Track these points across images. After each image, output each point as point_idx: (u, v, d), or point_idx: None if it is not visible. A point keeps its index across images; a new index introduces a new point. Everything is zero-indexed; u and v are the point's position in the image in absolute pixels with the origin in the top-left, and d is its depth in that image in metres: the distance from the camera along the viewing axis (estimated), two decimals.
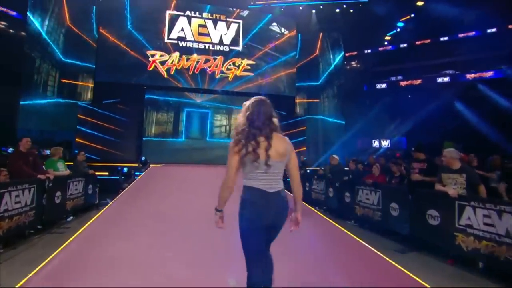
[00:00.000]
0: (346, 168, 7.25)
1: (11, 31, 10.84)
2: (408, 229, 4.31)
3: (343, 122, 13.78)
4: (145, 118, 11.91)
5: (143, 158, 9.26)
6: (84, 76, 11.91)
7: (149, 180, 6.73)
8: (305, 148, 13.24)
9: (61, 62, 11.37)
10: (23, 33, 10.57)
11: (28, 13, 10.61)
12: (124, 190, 6.09)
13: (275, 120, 1.84)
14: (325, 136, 13.79)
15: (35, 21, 10.85)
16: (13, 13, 10.60)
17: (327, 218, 4.75)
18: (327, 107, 14.13)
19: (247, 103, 1.84)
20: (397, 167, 5.35)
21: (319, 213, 5.08)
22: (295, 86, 13.35)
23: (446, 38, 13.88)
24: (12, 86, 10.17)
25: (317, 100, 14.03)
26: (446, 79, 13.57)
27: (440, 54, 13.74)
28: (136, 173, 8.78)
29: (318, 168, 10.13)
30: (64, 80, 11.49)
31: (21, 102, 10.52)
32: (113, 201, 5.14)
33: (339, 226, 4.21)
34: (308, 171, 10.14)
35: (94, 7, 11.81)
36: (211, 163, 10.99)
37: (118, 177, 9.03)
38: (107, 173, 8.73)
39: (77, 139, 11.02)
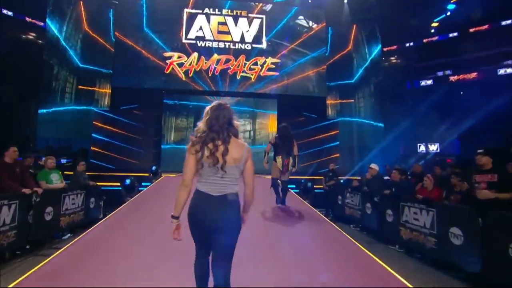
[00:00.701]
0: (386, 178, 6.80)
1: (31, 38, 11.47)
2: (479, 265, 3.67)
3: (382, 125, 13.09)
4: (163, 124, 11.92)
5: (154, 167, 9.13)
6: (102, 81, 12.18)
7: (154, 194, 6.26)
8: (338, 155, 12.67)
9: (78, 68, 11.75)
10: (42, 41, 11.19)
11: (47, 20, 11.19)
12: (119, 208, 5.31)
13: (236, 124, 1.93)
14: (361, 141, 13.19)
15: (53, 27, 11.41)
16: (34, 21, 11.16)
17: (334, 226, 4.50)
18: (363, 108, 13.53)
19: (207, 108, 1.88)
20: (457, 180, 4.72)
21: (325, 218, 4.84)
22: (325, 86, 12.87)
23: (509, 22, 12.70)
24: (32, 95, 10.87)
25: (351, 101, 13.53)
26: (510, 70, 12.49)
27: (501, 42, 12.63)
28: (143, 184, 8.64)
29: (353, 178, 9.58)
30: (81, 87, 11.86)
31: (40, 111, 11.06)
32: (96, 225, 4.37)
33: (351, 240, 3.93)
34: (342, 181, 9.48)
35: (112, 10, 12.06)
36: None
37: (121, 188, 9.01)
38: (118, 184, 8.67)
39: (92, 147, 11.18)
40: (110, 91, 12.08)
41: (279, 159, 4.79)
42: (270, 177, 5.14)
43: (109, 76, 11.86)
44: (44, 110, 10.86)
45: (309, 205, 5.46)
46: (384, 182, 6.32)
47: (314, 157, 11.69)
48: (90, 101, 11.90)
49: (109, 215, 4.74)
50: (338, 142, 12.27)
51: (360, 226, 6.50)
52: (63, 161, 10.19)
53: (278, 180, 4.95)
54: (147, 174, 9.69)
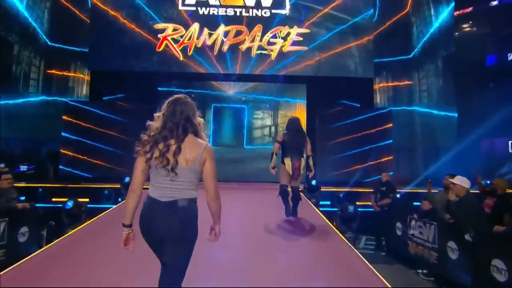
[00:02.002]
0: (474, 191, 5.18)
1: None
2: None
3: (455, 115, 11.79)
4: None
5: (128, 178, 7.83)
6: (78, 65, 11.54)
7: (111, 223, 4.98)
8: (390, 158, 11.21)
9: (46, 48, 11.06)
10: None
11: None
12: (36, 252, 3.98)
13: (199, 120, 2.00)
14: (425, 138, 11.79)
15: None
16: None
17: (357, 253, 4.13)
18: (427, 93, 12.28)
19: (166, 101, 2.00)
20: None
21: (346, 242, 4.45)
22: (372, 63, 11.57)
23: None
24: None
25: (409, 83, 12.35)
26: None
27: None
28: (106, 206, 7.35)
29: (416, 191, 8.61)
30: (51, 71, 11.17)
31: None
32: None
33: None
34: (399, 196, 8.06)
35: None
36: (250, 180, 10.26)
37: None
38: (87, 200, 7.96)
39: (63, 150, 10.30)
40: (89, 77, 11.46)
41: (287, 161, 4.63)
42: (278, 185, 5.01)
43: (87, 57, 11.14)
44: (2, 102, 10.17)
45: (327, 220, 5.29)
46: (482, 210, 4.27)
47: (356, 161, 10.71)
48: (63, 90, 11.23)
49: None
50: (391, 141, 11.11)
51: (436, 274, 5.44)
52: (23, 168, 9.04)
53: (288, 188, 4.79)
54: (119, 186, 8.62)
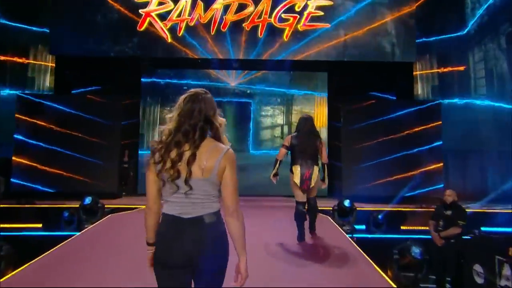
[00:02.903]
0: None
1: None
2: None
3: None
4: (142, 118, 10.96)
5: (89, 199, 7.05)
6: (39, 48, 10.74)
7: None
8: (441, 165, 10.15)
9: None
10: None
11: None
12: None
13: (221, 120, 1.89)
14: (486, 139, 10.58)
15: None
16: None
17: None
18: (485, 81, 11.26)
19: (180, 99, 1.86)
20: None
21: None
22: (414, 43, 10.69)
23: None
24: None
25: (462, 68, 11.28)
26: None
27: None
28: (66, 234, 6.60)
29: (489, 211, 7.92)
30: (3, 57, 10.30)
31: None
32: None
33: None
34: (464, 222, 6.46)
35: None
36: (257, 193, 9.96)
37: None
38: (40, 225, 7.49)
39: (15, 158, 9.58)
40: (54, 64, 10.73)
41: (296, 170, 4.55)
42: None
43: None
44: None
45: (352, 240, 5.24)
46: None
47: (394, 170, 9.86)
48: (20, 81, 10.56)
49: None
50: (440, 142, 10.23)
51: None
52: None
53: (305, 208, 4.69)
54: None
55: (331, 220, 6.84)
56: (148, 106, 11.24)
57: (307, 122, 4.84)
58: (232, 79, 11.45)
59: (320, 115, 11.24)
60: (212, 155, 1.80)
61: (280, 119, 11.62)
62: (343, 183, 9.92)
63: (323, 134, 11.03)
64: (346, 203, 7.57)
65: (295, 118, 11.06)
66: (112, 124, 9.97)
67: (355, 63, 10.56)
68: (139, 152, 10.78)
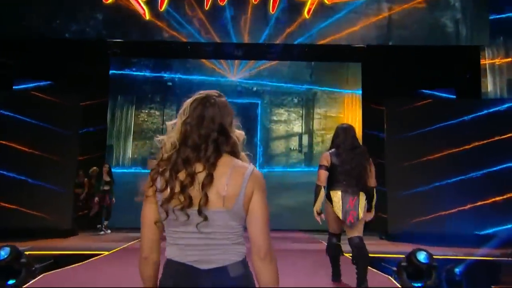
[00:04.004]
0: None
1: None
2: None
3: None
4: (110, 123, 10.90)
5: (5, 251, 5.99)
6: None
7: None
8: None
9: None
10: None
11: None
12: None
13: (238, 133, 1.69)
14: None
15: None
16: None
17: None
18: None
19: (185, 103, 1.67)
20: None
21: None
22: (486, 21, 9.90)
23: None
24: None
25: None
26: None
27: None
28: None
29: None
30: None
31: None
32: None
33: None
34: None
35: None
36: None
37: None
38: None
39: None
40: None
41: (336, 197, 4.50)
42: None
43: None
44: None
45: None
46: None
47: (459, 198, 9.08)
48: None
49: None
50: None
51: None
52: None
53: (339, 241, 4.82)
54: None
55: (395, 283, 5.81)
56: (119, 108, 10.92)
57: (348, 134, 4.70)
58: (233, 72, 11.22)
59: (351, 120, 10.85)
60: (234, 177, 1.58)
61: (297, 126, 11.26)
62: (388, 215, 9.00)
63: None
64: (421, 256, 5.95)
65: (318, 125, 11.17)
66: (67, 133, 9.39)
67: (402, 48, 9.92)
68: (112, 170, 10.38)
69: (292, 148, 11.38)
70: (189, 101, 1.65)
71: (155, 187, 1.58)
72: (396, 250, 7.63)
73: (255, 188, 1.59)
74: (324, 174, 4.62)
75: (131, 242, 8.30)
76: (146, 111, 11.21)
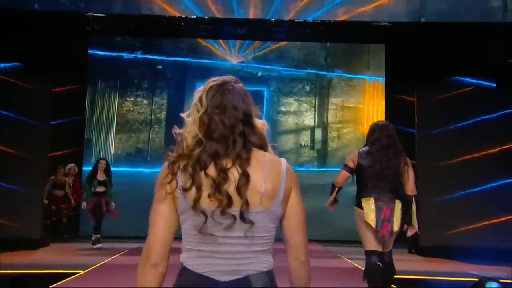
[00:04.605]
0: None
1: None
2: None
3: None
4: (88, 113, 10.71)
5: None
6: None
7: None
8: None
9: None
10: None
11: None
12: None
13: (261, 123, 1.63)
14: None
15: None
16: None
17: None
18: None
19: (200, 90, 1.61)
20: None
21: None
22: None
23: None
24: None
25: None
26: None
27: None
28: None
29: None
30: None
31: None
32: None
33: None
34: None
35: None
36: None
37: None
38: None
39: None
40: None
41: (369, 205, 4.39)
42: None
43: None
44: None
45: None
46: None
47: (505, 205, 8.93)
48: None
49: None
50: None
51: None
52: None
53: (379, 261, 4.51)
54: None
55: None
56: (100, 96, 10.74)
57: (383, 132, 4.58)
58: (234, 54, 10.98)
59: (372, 110, 10.70)
60: (272, 172, 1.56)
61: (309, 118, 11.15)
62: (420, 225, 8.36)
63: None
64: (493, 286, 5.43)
65: (333, 117, 10.97)
66: (36, 125, 9.12)
67: (435, 27, 9.64)
68: (83, 169, 10.15)
69: (302, 144, 11.28)
70: (202, 89, 1.60)
71: (175, 183, 1.52)
72: (434, 270, 7.26)
73: (293, 184, 1.61)
74: (344, 175, 4.55)
75: (113, 256, 7.62)
76: (132, 99, 10.91)
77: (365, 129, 10.94)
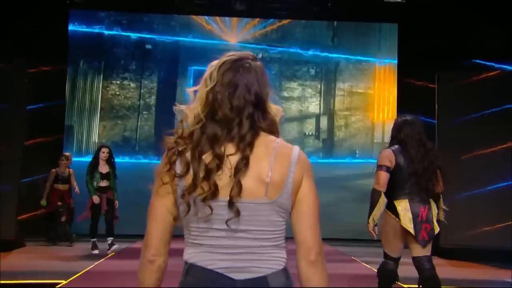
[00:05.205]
0: None
1: None
2: None
3: None
4: (69, 100, 10.27)
5: None
6: None
7: None
8: None
9: None
10: None
11: None
12: None
13: (275, 108, 1.57)
14: None
15: None
16: None
17: None
18: None
19: (213, 65, 1.55)
20: None
21: None
22: None
23: None
24: None
25: None
26: None
27: None
28: None
29: None
30: None
31: None
32: None
33: None
34: None
35: None
36: None
37: None
38: None
39: None
40: None
41: (403, 206, 4.25)
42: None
43: None
44: None
45: None
46: None
47: None
48: None
49: None
50: None
51: None
52: None
53: (395, 269, 4.43)
54: None
55: None
56: (82, 78, 10.29)
57: (415, 128, 4.25)
58: (232, 34, 10.58)
59: (383, 96, 10.32)
60: (279, 160, 1.48)
61: (314, 105, 10.84)
62: (440, 224, 7.96)
63: (388, 134, 10.16)
64: None
65: (340, 104, 10.63)
66: (10, 110, 8.58)
67: (454, 2, 9.20)
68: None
69: (307, 133, 10.93)
70: (215, 63, 1.52)
71: (173, 172, 1.45)
72: (467, 277, 6.66)
73: (304, 174, 1.50)
74: (385, 176, 4.26)
75: (100, 260, 6.78)
76: (118, 82, 10.43)
77: (375, 117, 10.80)
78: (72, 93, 10.19)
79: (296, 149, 1.51)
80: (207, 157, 1.42)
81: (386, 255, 4.40)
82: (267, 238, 1.46)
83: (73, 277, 5.83)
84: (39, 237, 8.79)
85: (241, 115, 1.44)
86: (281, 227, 1.48)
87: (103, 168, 7.15)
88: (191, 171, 1.42)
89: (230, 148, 1.42)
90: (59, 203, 8.46)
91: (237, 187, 1.39)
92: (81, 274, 6.13)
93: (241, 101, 1.44)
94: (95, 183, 7.04)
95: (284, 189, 1.44)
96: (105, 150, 7.28)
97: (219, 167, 1.41)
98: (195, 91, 1.54)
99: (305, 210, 1.49)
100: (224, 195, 1.40)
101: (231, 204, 1.39)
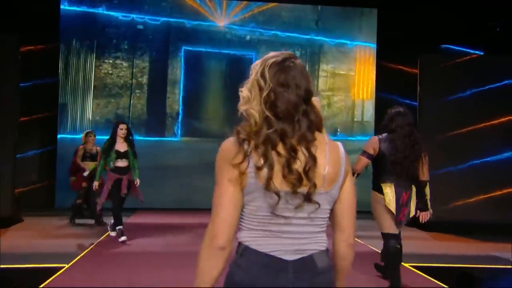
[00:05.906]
0: None
1: None
2: None
3: None
4: (62, 78, 10.11)
5: None
6: None
7: None
8: None
9: None
10: None
11: None
12: None
13: (314, 100, 1.66)
14: None
15: None
16: None
17: None
18: None
19: (258, 64, 1.62)
20: None
21: None
22: None
23: None
24: None
25: None
26: None
27: None
28: None
29: None
30: None
31: None
32: None
33: None
34: None
35: None
36: None
37: None
38: None
39: None
40: None
41: (389, 190, 4.53)
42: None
43: None
44: None
45: None
46: None
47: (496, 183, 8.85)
48: None
49: None
50: None
51: None
52: None
53: (398, 245, 4.62)
54: None
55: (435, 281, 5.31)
56: (75, 56, 10.12)
57: (406, 119, 4.53)
58: (220, 15, 10.52)
59: (363, 78, 10.54)
60: (333, 155, 1.62)
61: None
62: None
63: (367, 113, 10.55)
64: None
65: (323, 84, 10.72)
66: (3, 88, 8.46)
67: None
68: (58, 137, 9.79)
69: None
70: (261, 64, 1.59)
71: (247, 163, 1.49)
72: (453, 252, 6.74)
73: (349, 168, 1.67)
74: (365, 162, 4.57)
75: (100, 238, 6.39)
76: (111, 61, 10.26)
77: (355, 97, 10.86)
78: (65, 71, 10.03)
79: (341, 145, 1.64)
80: (281, 149, 1.49)
81: (385, 235, 4.58)
82: (320, 224, 1.57)
83: (76, 259, 5.33)
84: (36, 211, 8.59)
85: (298, 111, 1.53)
86: (328, 214, 1.61)
87: (121, 146, 6.30)
88: (271, 163, 1.48)
89: (294, 143, 1.51)
90: (84, 185, 7.53)
91: (312, 183, 1.50)
92: (84, 254, 5.58)
93: (295, 98, 1.53)
94: (111, 164, 6.20)
95: (337, 182, 1.57)
96: (123, 126, 6.34)
97: (295, 159, 1.49)
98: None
99: (349, 201, 1.64)
100: (304, 186, 1.51)
101: (309, 197, 1.49)
